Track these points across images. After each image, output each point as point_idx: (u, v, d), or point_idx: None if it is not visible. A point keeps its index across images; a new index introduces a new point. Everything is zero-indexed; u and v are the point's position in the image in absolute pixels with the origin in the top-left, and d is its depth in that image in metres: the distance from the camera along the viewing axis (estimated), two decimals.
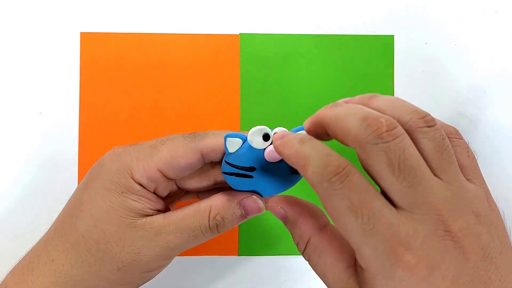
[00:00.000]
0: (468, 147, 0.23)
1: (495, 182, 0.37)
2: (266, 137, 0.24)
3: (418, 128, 0.21)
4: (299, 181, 0.28)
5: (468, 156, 0.23)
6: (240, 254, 0.36)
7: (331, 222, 0.24)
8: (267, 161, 0.25)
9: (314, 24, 0.38)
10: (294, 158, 0.21)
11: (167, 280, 0.36)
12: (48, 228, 0.28)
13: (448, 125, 0.24)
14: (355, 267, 0.22)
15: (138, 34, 0.37)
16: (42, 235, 0.28)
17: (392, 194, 0.20)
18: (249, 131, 0.25)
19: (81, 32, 0.37)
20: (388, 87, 0.37)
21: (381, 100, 0.23)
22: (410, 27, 0.38)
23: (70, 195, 0.28)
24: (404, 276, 0.19)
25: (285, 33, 0.37)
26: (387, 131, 0.19)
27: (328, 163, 0.20)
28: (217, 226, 0.27)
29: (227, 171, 0.26)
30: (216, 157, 0.27)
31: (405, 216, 0.19)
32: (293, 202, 0.25)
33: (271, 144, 0.25)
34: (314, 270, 0.23)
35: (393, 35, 0.38)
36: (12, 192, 0.36)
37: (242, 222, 0.28)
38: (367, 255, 0.19)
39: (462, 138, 0.24)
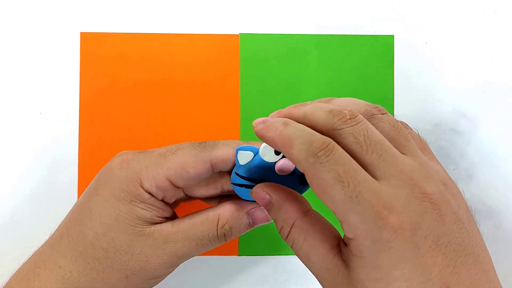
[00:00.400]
0: (418, 134, 0.26)
1: (495, 182, 0.37)
2: (277, 151, 0.25)
3: (374, 115, 0.24)
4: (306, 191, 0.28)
5: (421, 141, 0.26)
6: (240, 254, 0.36)
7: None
8: (277, 173, 0.25)
9: (314, 24, 0.38)
10: (279, 139, 0.23)
11: (167, 280, 0.36)
12: (50, 231, 0.28)
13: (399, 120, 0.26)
14: (339, 247, 0.23)
15: (138, 34, 0.37)
16: (42, 236, 0.28)
17: (367, 168, 0.21)
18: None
19: (81, 32, 0.37)
20: (388, 87, 0.37)
21: (339, 100, 0.26)
22: (410, 27, 0.38)
23: (70, 195, 0.28)
24: (391, 237, 0.20)
25: (285, 33, 0.37)
26: (350, 118, 0.22)
27: (313, 140, 0.22)
28: (224, 235, 0.27)
29: (237, 182, 0.26)
30: (225, 167, 0.27)
31: (385, 184, 0.21)
32: (278, 188, 0.25)
33: (282, 157, 0.25)
34: (297, 254, 0.24)
35: (393, 35, 0.38)
36: (12, 192, 0.36)
37: (249, 230, 0.28)
38: (355, 223, 0.20)
39: (412, 129, 0.26)
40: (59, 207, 0.29)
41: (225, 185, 0.29)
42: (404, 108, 0.37)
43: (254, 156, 0.25)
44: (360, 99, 0.37)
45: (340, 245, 0.23)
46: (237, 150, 0.25)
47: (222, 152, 0.26)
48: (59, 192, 0.36)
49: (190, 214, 0.27)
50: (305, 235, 0.24)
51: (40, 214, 0.36)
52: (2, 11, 0.37)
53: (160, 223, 0.27)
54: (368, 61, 0.37)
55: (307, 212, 0.25)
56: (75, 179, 0.36)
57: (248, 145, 0.26)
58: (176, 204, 0.30)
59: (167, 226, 0.26)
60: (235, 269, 0.36)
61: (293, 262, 0.37)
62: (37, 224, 0.35)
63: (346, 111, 0.22)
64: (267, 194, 0.25)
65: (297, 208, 0.25)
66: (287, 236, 0.25)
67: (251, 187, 0.26)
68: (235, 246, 0.36)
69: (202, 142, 0.27)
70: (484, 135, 0.37)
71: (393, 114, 0.37)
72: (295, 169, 0.26)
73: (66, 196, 0.36)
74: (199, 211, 0.28)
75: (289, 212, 0.24)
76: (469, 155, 0.37)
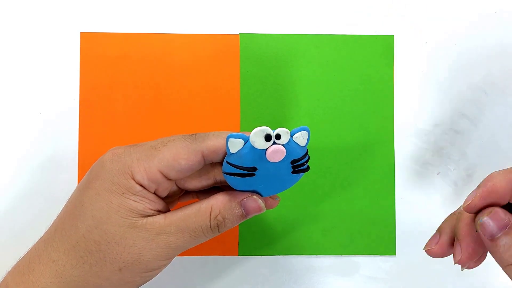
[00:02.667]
0: None
1: None
2: (268, 137, 0.24)
3: None
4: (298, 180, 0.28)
5: None
6: (240, 254, 0.36)
7: None
8: (268, 161, 0.25)
9: (314, 24, 0.38)
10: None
11: (167, 280, 0.36)
12: (48, 227, 0.28)
13: None
14: None
15: (138, 34, 0.37)
16: (41, 234, 0.28)
17: None
18: (250, 131, 0.25)
19: (81, 32, 0.37)
20: (388, 87, 0.37)
21: None
22: (410, 27, 0.38)
23: (70, 194, 0.28)
24: None
25: (285, 33, 0.37)
26: None
27: None
28: (218, 226, 0.27)
29: (228, 171, 0.26)
30: (217, 158, 0.27)
31: None
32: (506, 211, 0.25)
33: (272, 144, 0.25)
34: None
35: (393, 35, 0.38)
36: (12, 192, 0.36)
37: (242, 221, 0.28)
38: None
39: None
40: (59, 207, 0.29)
41: (218, 175, 0.29)
42: (404, 108, 0.37)
43: (244, 143, 0.25)
44: (360, 99, 0.37)
45: None
46: (228, 138, 0.25)
47: (213, 143, 0.26)
48: (59, 192, 0.36)
49: (183, 206, 0.27)
50: None
51: (40, 213, 0.36)
52: (2, 11, 0.37)
53: (153, 215, 0.27)
54: (368, 61, 0.37)
55: None
56: (75, 179, 0.36)
57: (239, 133, 0.25)
58: (172, 201, 0.30)
59: (160, 218, 0.26)
60: (235, 269, 0.36)
61: (293, 262, 0.37)
62: (36, 223, 0.35)
63: None
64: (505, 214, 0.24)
65: None
66: None
67: (242, 175, 0.26)
68: (235, 246, 0.36)
69: (193, 134, 0.27)
70: (484, 135, 0.37)
71: (393, 114, 0.37)
72: (286, 156, 0.25)
73: (66, 195, 0.35)
74: (191, 203, 0.28)
75: None
76: (469, 155, 0.37)
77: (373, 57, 0.37)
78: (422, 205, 0.37)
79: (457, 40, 0.38)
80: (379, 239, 0.37)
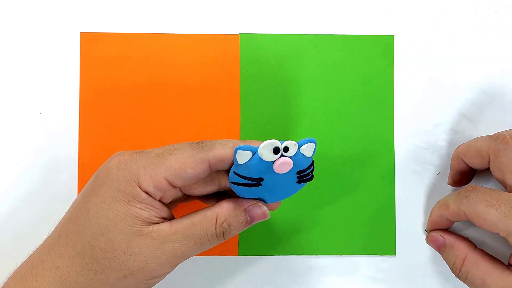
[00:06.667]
0: None
1: (495, 182, 0.37)
2: (276, 150, 0.25)
3: None
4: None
5: None
6: (240, 254, 0.36)
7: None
8: (275, 172, 0.26)
9: (314, 24, 0.38)
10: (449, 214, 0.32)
11: (167, 280, 0.36)
12: (49, 230, 0.28)
13: None
14: (510, 269, 0.29)
15: (138, 34, 0.37)
16: (42, 235, 0.28)
17: None
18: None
19: (81, 32, 0.37)
20: (388, 87, 0.37)
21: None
22: (410, 27, 0.38)
23: (70, 195, 0.28)
24: None
25: (285, 33, 0.37)
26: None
27: (458, 192, 0.32)
28: (223, 233, 0.27)
29: (235, 181, 0.26)
30: (223, 167, 0.27)
31: None
32: (448, 232, 0.34)
33: (280, 157, 0.25)
34: (473, 282, 0.30)
35: (393, 35, 0.38)
36: (12, 192, 0.36)
37: (247, 227, 0.28)
38: None
39: None
40: (59, 207, 0.29)
41: (222, 182, 0.29)
42: (404, 108, 0.37)
43: (252, 155, 0.25)
44: (360, 99, 0.37)
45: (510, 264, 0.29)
46: (236, 149, 0.25)
47: (220, 152, 0.26)
48: (59, 192, 0.36)
49: (188, 214, 0.27)
50: (477, 264, 0.30)
51: (40, 214, 0.36)
52: (2, 11, 0.37)
53: (158, 223, 0.27)
54: (368, 61, 0.37)
55: (475, 248, 0.31)
56: (75, 179, 0.36)
57: (246, 144, 0.26)
58: (174, 204, 0.30)
59: (165, 226, 0.26)
60: (235, 269, 0.36)
61: (293, 262, 0.37)
62: (37, 224, 0.35)
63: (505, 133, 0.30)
64: (441, 236, 0.33)
65: (466, 245, 0.31)
66: (460, 269, 0.31)
67: (249, 185, 0.26)
68: (235, 246, 0.36)
69: (199, 142, 0.27)
70: (484, 135, 0.37)
71: (393, 114, 0.37)
72: (293, 167, 0.26)
73: (66, 196, 0.36)
74: (197, 210, 0.28)
75: (460, 249, 0.31)
76: None
77: (373, 57, 0.37)
78: (422, 205, 0.37)
79: (457, 40, 0.38)
80: (379, 239, 0.37)
